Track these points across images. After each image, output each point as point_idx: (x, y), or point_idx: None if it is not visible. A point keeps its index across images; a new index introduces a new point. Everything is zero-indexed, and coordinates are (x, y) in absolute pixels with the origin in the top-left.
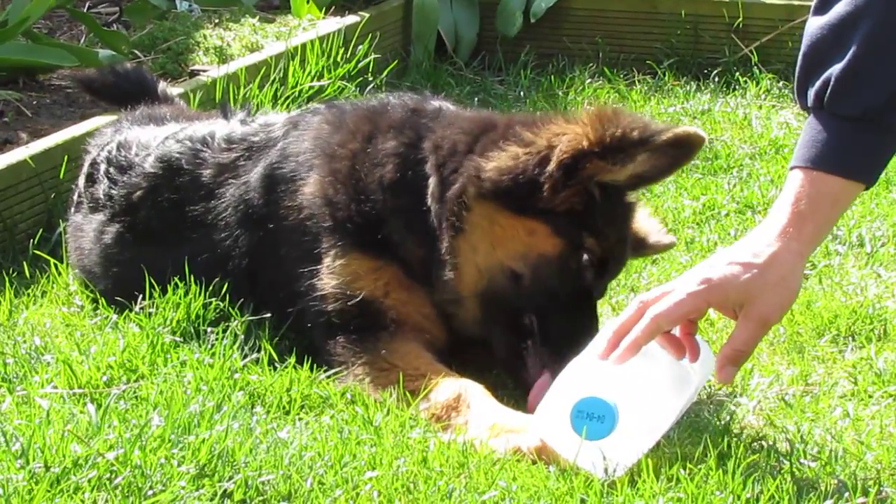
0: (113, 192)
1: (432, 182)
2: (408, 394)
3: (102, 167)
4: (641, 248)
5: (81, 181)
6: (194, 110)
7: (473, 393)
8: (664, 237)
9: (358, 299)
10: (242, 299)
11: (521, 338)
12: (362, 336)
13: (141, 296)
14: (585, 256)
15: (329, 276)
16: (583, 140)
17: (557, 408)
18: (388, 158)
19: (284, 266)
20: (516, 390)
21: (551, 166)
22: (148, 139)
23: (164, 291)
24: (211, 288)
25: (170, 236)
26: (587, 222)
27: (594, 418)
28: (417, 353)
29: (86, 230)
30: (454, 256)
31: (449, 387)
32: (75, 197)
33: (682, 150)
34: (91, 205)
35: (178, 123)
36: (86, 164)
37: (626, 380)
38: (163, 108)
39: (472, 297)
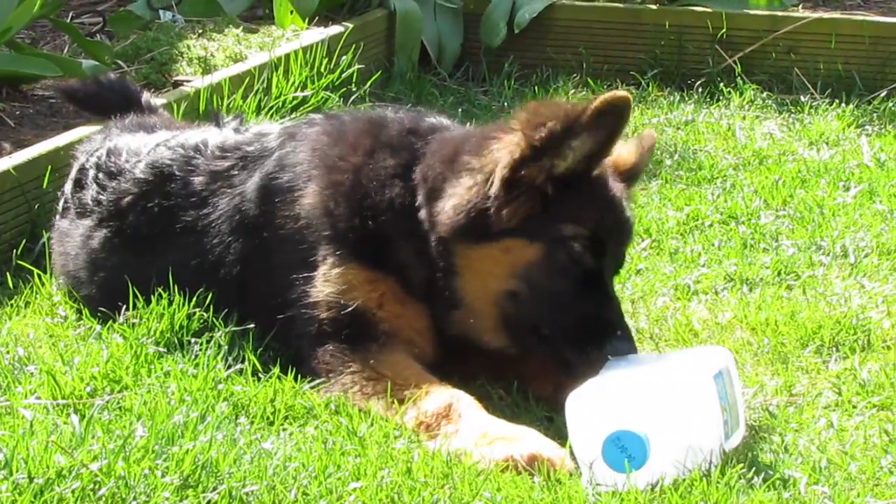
0: (101, 197)
1: (424, 218)
2: (396, 402)
3: (91, 172)
4: (632, 174)
5: (69, 187)
6: (183, 121)
7: (465, 402)
8: (643, 143)
9: (351, 309)
10: (230, 308)
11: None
12: (352, 345)
13: (125, 306)
14: (574, 244)
15: (324, 283)
16: (516, 150)
17: (590, 436)
18: (394, 180)
19: (277, 274)
20: (501, 401)
21: (494, 188)
22: (138, 146)
23: (149, 298)
24: (195, 298)
25: (158, 243)
26: (558, 215)
27: (626, 452)
28: (407, 364)
29: (72, 235)
30: (460, 298)
31: (440, 396)
32: (62, 203)
33: (612, 117)
34: (78, 210)
35: (168, 132)
36: (74, 170)
37: (657, 405)
38: (153, 118)
39: (494, 330)
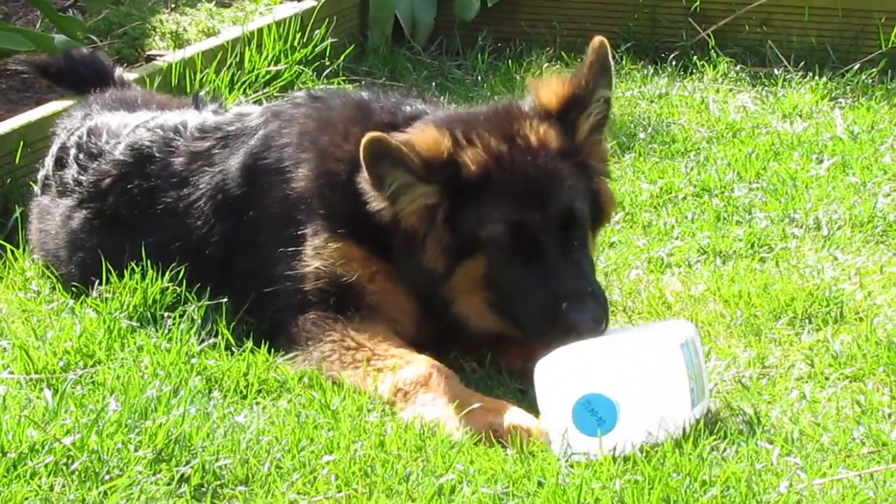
0: (82, 178)
1: None
2: (373, 371)
3: (73, 152)
4: (571, 105)
5: (50, 163)
6: (165, 96)
7: (444, 373)
8: (587, 61)
9: (342, 280)
10: (212, 286)
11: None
12: (336, 314)
13: (98, 281)
14: (499, 243)
15: (313, 257)
16: (384, 211)
17: (560, 401)
18: None
19: (263, 251)
20: (474, 374)
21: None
22: (118, 126)
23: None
24: (168, 273)
25: (139, 224)
26: (472, 223)
27: (596, 415)
28: (387, 336)
29: (53, 213)
30: (459, 312)
31: (419, 366)
32: (41, 177)
33: (385, 151)
34: (59, 189)
35: (149, 111)
36: (55, 147)
37: (627, 372)
38: (133, 92)
39: (496, 328)
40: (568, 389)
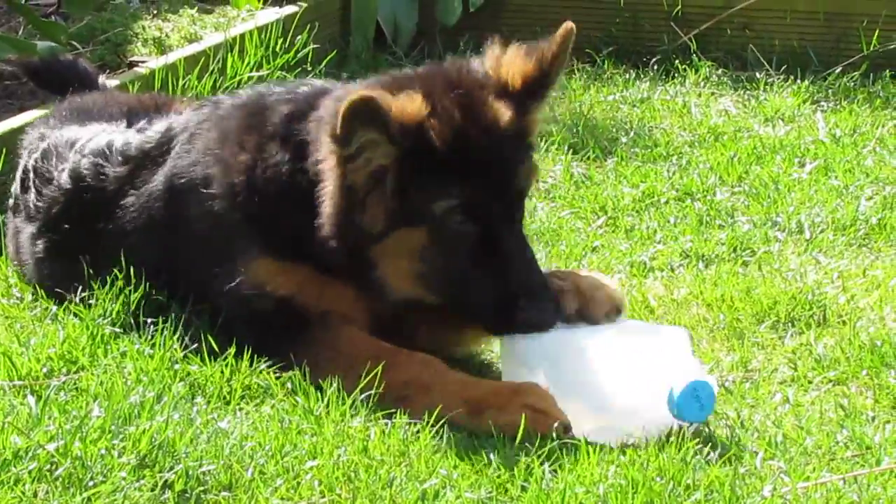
0: (39, 204)
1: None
2: (360, 376)
3: (31, 176)
4: (537, 85)
5: (17, 185)
6: (127, 94)
7: (439, 370)
8: (551, 43)
9: (275, 297)
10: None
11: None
12: (292, 332)
13: (81, 286)
14: (450, 220)
15: (245, 273)
16: (333, 165)
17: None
18: (287, 174)
19: (201, 270)
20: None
21: (335, 208)
22: (65, 147)
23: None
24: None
25: (88, 250)
26: (425, 195)
27: (699, 401)
28: (361, 336)
29: (22, 236)
30: (383, 282)
31: (407, 367)
32: (13, 195)
33: (365, 111)
34: (25, 212)
35: (98, 123)
36: (19, 168)
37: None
38: (92, 97)
39: (404, 294)
40: (669, 377)
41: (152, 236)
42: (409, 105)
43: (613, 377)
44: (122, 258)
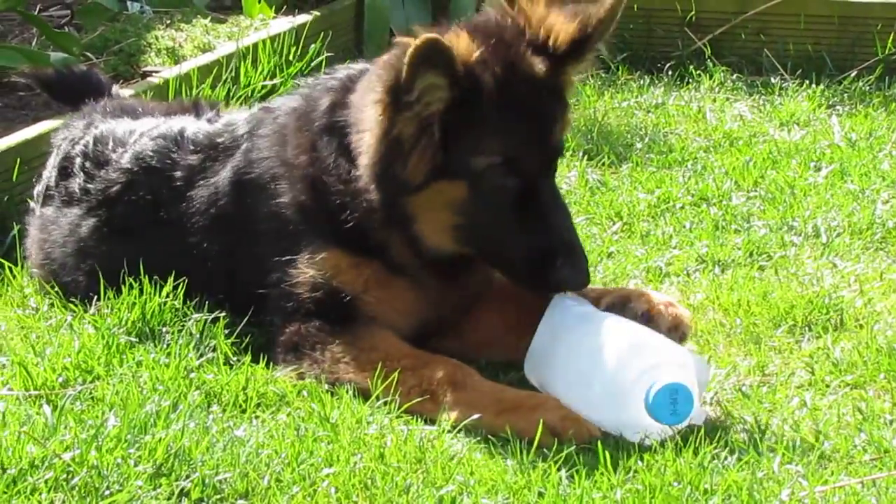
0: (89, 186)
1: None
2: (392, 376)
3: (78, 161)
4: (573, 49)
5: (53, 174)
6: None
7: (469, 371)
8: (598, 9)
9: (335, 291)
10: (221, 297)
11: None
12: (338, 322)
13: (96, 297)
14: (491, 175)
15: (308, 266)
16: (380, 110)
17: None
18: (340, 163)
19: (261, 263)
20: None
21: (378, 155)
22: (124, 134)
23: (141, 287)
24: (167, 287)
25: (145, 234)
26: (467, 148)
27: (675, 406)
28: (396, 339)
29: (58, 223)
30: (422, 238)
31: (441, 364)
32: (40, 190)
33: (437, 53)
34: (64, 198)
35: (153, 118)
36: (56, 158)
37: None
38: (130, 101)
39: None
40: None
41: (217, 228)
42: (462, 44)
43: (598, 365)
44: (180, 252)
